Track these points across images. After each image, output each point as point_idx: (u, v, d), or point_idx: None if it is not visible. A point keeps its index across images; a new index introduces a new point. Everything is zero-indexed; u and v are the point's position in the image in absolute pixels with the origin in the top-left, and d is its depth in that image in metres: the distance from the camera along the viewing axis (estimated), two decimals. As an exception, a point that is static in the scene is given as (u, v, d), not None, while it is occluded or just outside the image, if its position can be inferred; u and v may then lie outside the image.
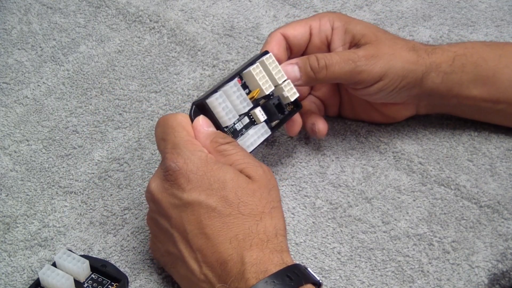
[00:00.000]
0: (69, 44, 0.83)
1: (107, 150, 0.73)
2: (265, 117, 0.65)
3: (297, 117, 0.69)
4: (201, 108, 0.62)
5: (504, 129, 0.74)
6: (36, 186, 0.70)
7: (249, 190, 0.57)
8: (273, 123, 0.66)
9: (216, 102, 0.62)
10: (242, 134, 0.64)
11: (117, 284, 0.61)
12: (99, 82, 0.80)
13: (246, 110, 0.63)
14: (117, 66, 0.81)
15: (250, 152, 0.63)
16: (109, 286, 0.61)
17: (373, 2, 0.89)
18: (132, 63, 0.81)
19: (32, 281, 0.62)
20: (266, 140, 0.65)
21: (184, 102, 0.78)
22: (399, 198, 0.69)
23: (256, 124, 0.65)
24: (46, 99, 0.78)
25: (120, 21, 0.86)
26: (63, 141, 0.74)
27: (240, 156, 0.60)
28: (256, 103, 0.65)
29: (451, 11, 0.88)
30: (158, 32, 0.85)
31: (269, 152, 0.73)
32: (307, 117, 0.70)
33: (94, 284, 0.61)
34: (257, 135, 0.64)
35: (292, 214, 0.68)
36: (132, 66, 0.81)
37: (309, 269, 0.57)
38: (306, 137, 0.74)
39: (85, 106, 0.77)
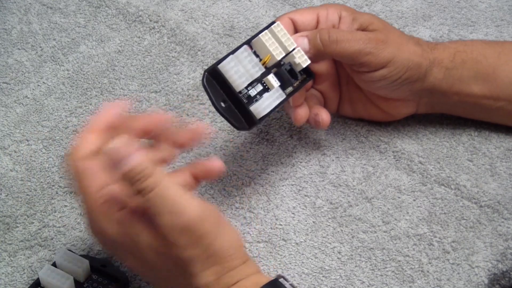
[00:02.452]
0: (69, 44, 0.83)
1: (107, 150, 0.73)
2: (279, 83, 0.64)
3: (304, 106, 0.68)
4: (213, 75, 0.62)
5: (504, 129, 0.74)
6: (36, 186, 0.70)
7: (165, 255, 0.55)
8: (287, 91, 0.65)
9: (228, 66, 0.61)
10: (256, 101, 0.63)
11: (117, 284, 0.61)
12: (99, 82, 0.79)
13: (259, 74, 0.63)
14: (117, 66, 0.81)
15: (265, 115, 0.62)
16: (109, 286, 0.61)
17: (373, 2, 0.89)
18: (132, 63, 0.81)
19: (32, 281, 0.62)
20: (281, 104, 0.64)
21: (184, 102, 0.78)
22: (399, 197, 0.69)
23: (270, 90, 0.64)
24: (46, 99, 0.78)
25: (120, 21, 0.86)
26: (63, 141, 0.74)
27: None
28: (268, 71, 0.65)
29: (451, 11, 0.88)
30: (158, 32, 0.85)
31: (269, 152, 0.73)
32: (309, 108, 0.70)
33: (94, 284, 0.61)
34: (272, 98, 0.64)
35: (292, 213, 0.68)
36: (132, 66, 0.81)
37: (286, 278, 0.56)
38: (306, 137, 0.74)
39: (85, 106, 0.77)
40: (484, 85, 0.69)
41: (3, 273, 0.64)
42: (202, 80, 0.61)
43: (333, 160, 0.72)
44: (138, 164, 0.51)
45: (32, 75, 0.80)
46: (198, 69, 0.81)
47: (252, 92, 0.63)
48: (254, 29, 0.85)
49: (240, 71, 0.62)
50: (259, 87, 0.64)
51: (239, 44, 0.64)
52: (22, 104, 0.77)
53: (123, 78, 0.80)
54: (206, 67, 0.81)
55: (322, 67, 0.71)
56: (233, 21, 0.86)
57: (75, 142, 0.55)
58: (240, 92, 0.62)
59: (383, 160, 0.72)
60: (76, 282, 0.61)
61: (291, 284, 0.55)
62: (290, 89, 0.66)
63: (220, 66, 0.62)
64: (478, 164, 0.72)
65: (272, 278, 0.55)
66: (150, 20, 0.86)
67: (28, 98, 0.78)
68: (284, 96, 0.64)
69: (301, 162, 0.72)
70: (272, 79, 0.64)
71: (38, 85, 0.79)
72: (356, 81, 0.70)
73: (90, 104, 0.77)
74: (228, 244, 0.54)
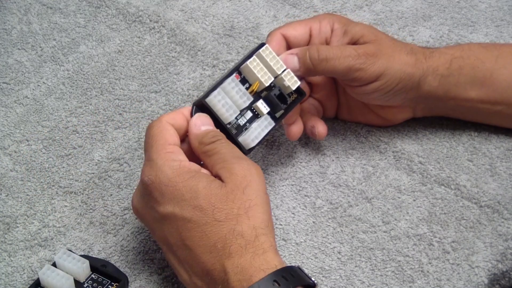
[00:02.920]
0: (69, 44, 0.83)
1: (107, 150, 0.73)
2: (268, 109, 0.64)
3: (298, 123, 0.69)
4: (201, 107, 0.62)
5: (504, 129, 0.74)
6: (36, 186, 0.70)
7: (222, 195, 0.57)
8: (278, 114, 0.65)
9: (215, 100, 0.62)
10: (246, 129, 0.63)
11: (117, 284, 0.61)
12: (99, 82, 0.80)
13: (247, 104, 0.63)
14: (117, 66, 0.81)
15: (256, 145, 0.62)
16: (109, 286, 0.61)
17: (373, 2, 0.89)
18: (132, 63, 0.81)
19: (32, 281, 0.62)
20: (270, 131, 0.64)
21: (184, 102, 0.78)
22: (399, 198, 0.69)
23: (260, 117, 0.64)
24: (46, 99, 0.78)
25: (120, 21, 0.86)
26: (63, 141, 0.74)
27: (219, 156, 0.59)
28: (257, 96, 0.65)
29: (451, 11, 0.88)
30: (158, 32, 0.85)
31: (269, 152, 0.73)
32: (306, 120, 0.70)
33: (94, 284, 0.61)
34: (261, 127, 0.64)
35: (293, 214, 0.68)
36: (132, 66, 0.81)
37: (303, 269, 0.57)
38: (306, 137, 0.74)
39: (85, 106, 0.77)
40: (481, 90, 0.69)
41: (3, 273, 0.64)
42: (191, 112, 0.62)
43: (333, 160, 0.72)
44: (212, 130, 0.61)
45: (32, 75, 0.80)
46: (198, 69, 0.81)
47: (242, 121, 0.63)
48: (254, 29, 0.85)
49: (228, 103, 0.62)
50: (249, 114, 0.64)
51: (227, 72, 0.64)
52: (22, 104, 0.77)
53: (123, 78, 0.80)
54: (206, 67, 0.81)
55: (318, 77, 0.71)
56: (233, 21, 0.86)
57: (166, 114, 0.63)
58: (229, 123, 0.62)
59: (383, 160, 0.72)
60: (76, 282, 0.61)
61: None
62: (281, 112, 0.65)
63: (207, 100, 0.62)
64: (478, 164, 0.72)
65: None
66: (150, 20, 0.86)
67: (28, 98, 0.78)
68: (273, 124, 0.64)
69: (301, 162, 0.72)
70: (261, 105, 0.64)
71: (38, 85, 0.79)
72: (350, 93, 0.70)
73: (90, 104, 0.77)
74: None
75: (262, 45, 0.65)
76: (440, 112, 0.73)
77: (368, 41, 0.67)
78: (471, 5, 0.88)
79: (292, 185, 0.70)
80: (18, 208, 0.68)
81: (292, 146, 0.74)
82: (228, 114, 0.62)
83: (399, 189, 0.70)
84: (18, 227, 0.67)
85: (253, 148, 0.63)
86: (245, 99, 0.63)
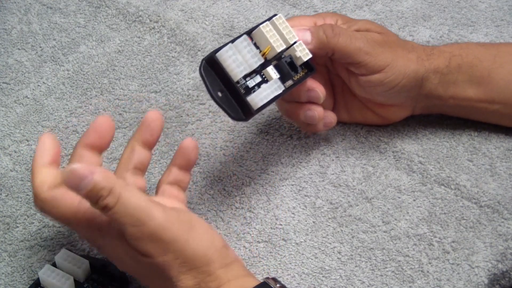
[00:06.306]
0: (69, 44, 0.83)
1: (107, 150, 0.73)
2: (278, 75, 0.64)
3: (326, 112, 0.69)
4: (211, 63, 0.61)
5: (504, 129, 0.74)
6: (36, 186, 0.70)
7: None
8: (287, 84, 0.64)
9: (226, 55, 0.61)
10: (254, 91, 0.62)
11: (117, 284, 0.61)
12: (99, 82, 0.80)
13: (258, 64, 0.62)
14: (117, 66, 0.81)
15: (262, 106, 0.61)
16: (109, 286, 0.61)
17: (373, 2, 0.89)
18: (132, 63, 0.81)
19: (32, 281, 0.62)
20: (278, 97, 0.63)
21: (184, 102, 0.78)
22: (399, 198, 0.69)
23: (269, 81, 0.63)
24: (46, 99, 0.78)
25: (120, 21, 0.86)
26: (63, 141, 0.74)
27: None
28: (268, 63, 0.64)
29: (451, 11, 0.88)
30: (158, 32, 0.85)
31: (269, 152, 0.73)
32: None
33: (94, 284, 0.61)
34: (270, 89, 0.62)
35: (292, 213, 0.68)
36: (132, 66, 0.81)
37: (276, 285, 0.56)
38: (306, 137, 0.74)
39: (85, 106, 0.77)
40: (479, 89, 0.69)
41: (3, 273, 0.64)
42: (200, 68, 0.60)
43: (333, 160, 0.72)
44: (97, 183, 0.50)
45: (32, 75, 0.80)
46: (198, 69, 0.81)
47: (251, 83, 0.62)
48: (254, 29, 0.85)
49: (238, 60, 0.61)
50: (258, 79, 0.63)
51: (239, 34, 0.63)
52: (22, 104, 0.77)
53: (123, 78, 0.80)
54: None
55: (315, 76, 0.71)
56: (233, 21, 0.86)
57: (33, 180, 0.55)
58: (238, 82, 0.61)
59: (383, 160, 0.72)
60: (76, 282, 0.61)
61: (281, 286, 0.55)
62: (289, 82, 0.65)
63: (218, 55, 0.60)
64: (478, 164, 0.72)
65: (260, 282, 0.55)
66: (150, 20, 0.86)
67: (28, 98, 0.78)
68: (283, 88, 0.64)
69: (301, 162, 0.72)
70: (271, 71, 0.63)
71: (38, 85, 0.79)
72: (353, 87, 0.70)
73: (90, 104, 0.77)
74: (202, 248, 0.54)
75: (275, 15, 0.64)
76: (439, 111, 0.73)
77: (375, 32, 0.68)
78: (471, 5, 0.88)
79: (292, 185, 0.70)
80: (18, 208, 0.68)
81: (292, 146, 0.74)
82: (238, 70, 0.61)
83: (399, 189, 0.70)
84: (18, 227, 0.67)
85: (262, 108, 0.62)
86: (256, 60, 0.62)
